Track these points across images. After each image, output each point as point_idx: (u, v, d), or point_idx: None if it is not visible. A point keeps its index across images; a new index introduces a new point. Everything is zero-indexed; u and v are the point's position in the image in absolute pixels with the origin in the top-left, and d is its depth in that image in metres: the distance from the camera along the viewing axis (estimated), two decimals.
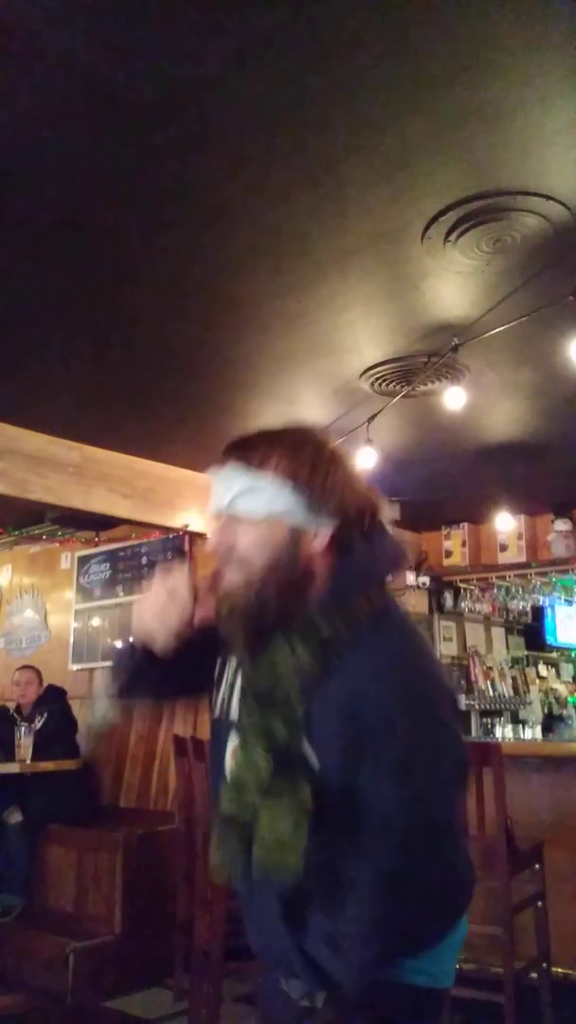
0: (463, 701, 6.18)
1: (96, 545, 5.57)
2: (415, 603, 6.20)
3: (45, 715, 4.73)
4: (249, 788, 1.05)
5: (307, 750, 1.06)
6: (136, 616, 1.20)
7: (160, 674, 1.22)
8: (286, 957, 1.18)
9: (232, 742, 1.13)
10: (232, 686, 1.18)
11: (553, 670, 7.28)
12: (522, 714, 6.48)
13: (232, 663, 1.19)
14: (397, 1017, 1.13)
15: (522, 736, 6.17)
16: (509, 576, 6.02)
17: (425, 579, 6.17)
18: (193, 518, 4.76)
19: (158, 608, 1.16)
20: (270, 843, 1.02)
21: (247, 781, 1.05)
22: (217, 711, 1.22)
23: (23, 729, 4.59)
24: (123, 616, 5.41)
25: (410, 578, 6.18)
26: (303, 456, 1.11)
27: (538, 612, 6.88)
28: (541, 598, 6.40)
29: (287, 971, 1.21)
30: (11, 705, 4.96)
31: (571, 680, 7.26)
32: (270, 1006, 1.31)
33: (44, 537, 5.69)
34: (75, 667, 5.59)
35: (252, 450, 1.11)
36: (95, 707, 1.25)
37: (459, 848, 1.17)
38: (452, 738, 1.13)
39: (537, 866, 3.09)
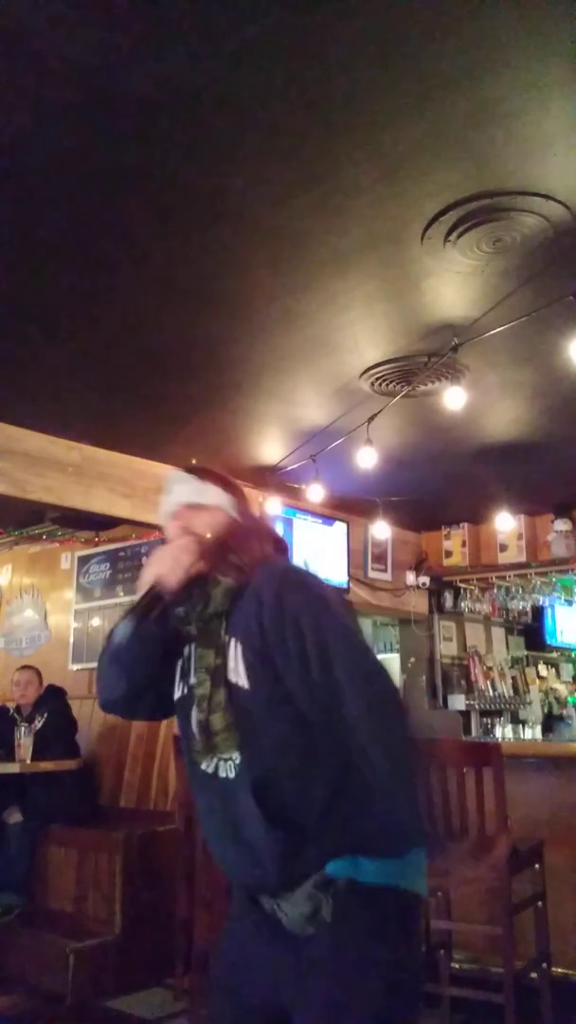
0: (463, 701, 6.19)
1: (96, 545, 5.57)
2: (415, 603, 6.21)
3: (45, 715, 4.72)
4: (203, 701, 1.53)
5: (232, 673, 1.52)
6: (155, 560, 1.61)
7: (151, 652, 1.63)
8: (282, 867, 1.46)
9: (193, 709, 1.56)
10: (189, 666, 1.61)
11: (553, 670, 7.29)
12: (522, 714, 6.48)
13: (187, 649, 1.63)
14: (392, 912, 1.46)
15: (522, 736, 6.18)
16: (509, 576, 6.02)
17: (425, 579, 6.17)
18: None
19: (176, 552, 1.61)
20: (218, 733, 1.51)
21: (201, 695, 1.54)
22: (180, 691, 1.63)
23: (23, 729, 4.58)
24: None
25: (410, 578, 6.19)
26: (226, 478, 1.76)
27: (538, 612, 6.88)
28: (541, 598, 6.40)
29: (280, 887, 1.47)
30: (11, 705, 4.96)
31: (571, 680, 7.27)
32: (238, 966, 1.57)
33: (44, 537, 5.69)
34: (75, 667, 5.59)
35: (198, 471, 1.74)
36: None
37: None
38: (337, 598, 1.59)
39: (537, 866, 3.09)
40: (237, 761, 1.50)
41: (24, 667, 5.10)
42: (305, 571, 1.69)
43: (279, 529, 1.77)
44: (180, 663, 1.66)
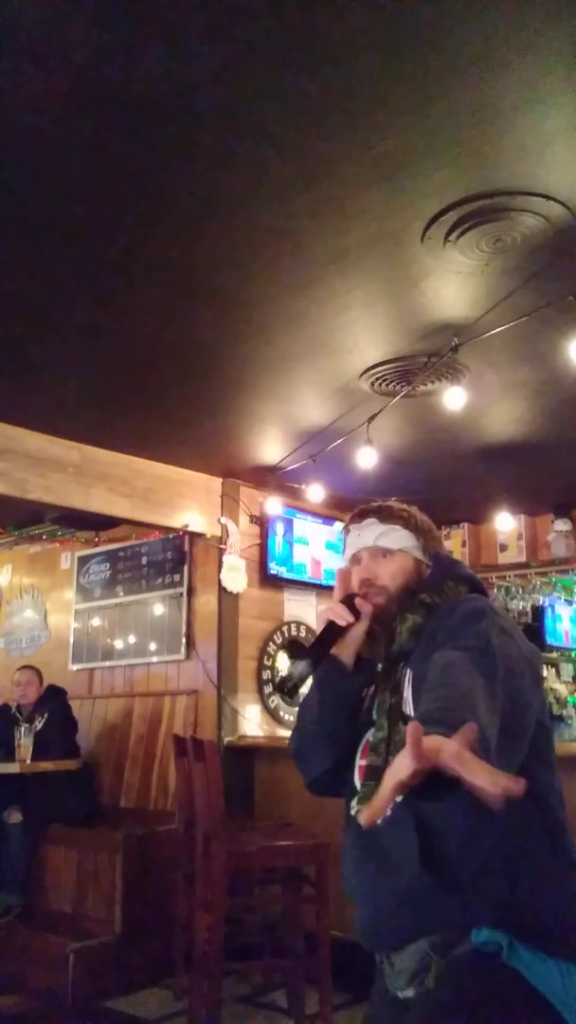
0: None
1: (96, 545, 5.57)
2: None
3: (45, 715, 4.73)
4: (380, 745, 1.43)
5: (406, 704, 1.42)
6: (326, 613, 1.54)
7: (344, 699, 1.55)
8: (401, 918, 1.35)
9: (360, 754, 1.51)
10: (369, 703, 1.55)
11: (553, 670, 7.28)
12: None
13: (367, 691, 1.56)
14: (513, 1003, 1.24)
15: None
16: (509, 576, 6.02)
17: None
18: (193, 518, 4.76)
19: (339, 611, 1.53)
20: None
21: (379, 739, 1.44)
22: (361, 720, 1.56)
23: (23, 729, 4.59)
24: (123, 616, 5.41)
25: None
26: (415, 517, 1.65)
27: (538, 612, 6.87)
28: (541, 598, 6.39)
29: (397, 943, 1.38)
30: (12, 705, 4.96)
31: (571, 680, 7.26)
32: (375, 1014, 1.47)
33: (44, 537, 5.69)
34: (75, 667, 5.60)
35: (381, 510, 1.63)
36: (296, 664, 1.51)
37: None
38: (523, 648, 1.41)
39: None
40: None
41: (24, 667, 5.11)
42: (498, 612, 1.47)
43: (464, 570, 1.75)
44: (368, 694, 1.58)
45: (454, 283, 2.84)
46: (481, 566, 6.04)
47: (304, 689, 1.53)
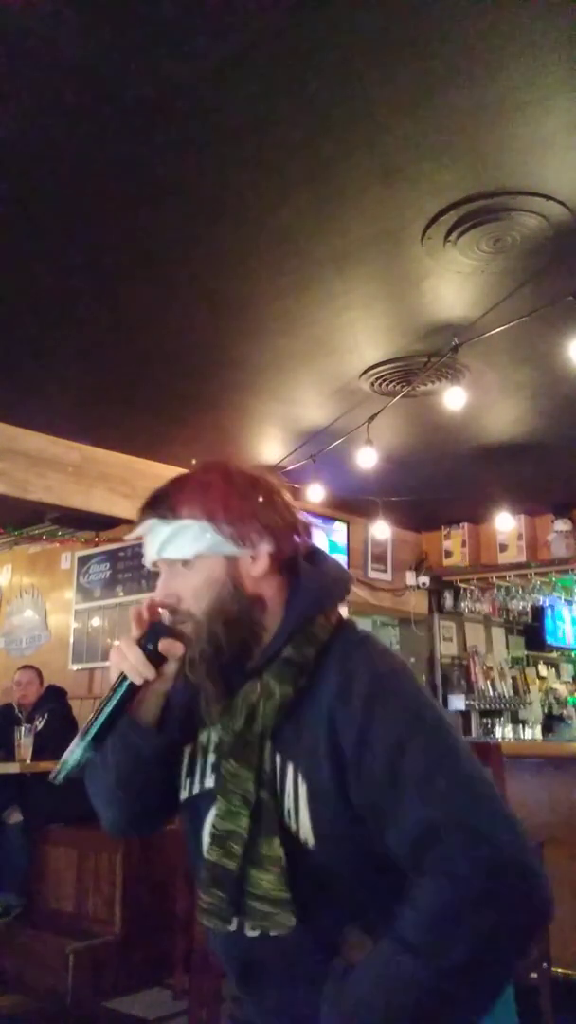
0: (463, 701, 6.19)
1: (96, 545, 5.57)
2: (415, 603, 6.21)
3: (46, 715, 4.72)
4: (233, 843, 1.04)
5: (288, 816, 1.04)
6: (113, 657, 1.12)
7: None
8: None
9: (211, 811, 1.09)
10: (206, 757, 1.14)
11: (553, 670, 7.29)
12: (522, 714, 6.48)
13: (205, 735, 1.15)
14: None
15: (522, 736, 6.18)
16: (509, 576, 6.02)
17: (425, 579, 6.17)
18: None
19: (126, 653, 1.10)
20: (262, 899, 1.01)
21: (229, 832, 1.05)
22: (188, 790, 1.16)
23: (23, 729, 4.58)
24: (123, 616, 5.41)
25: (410, 578, 6.19)
26: (213, 493, 1.12)
27: (538, 612, 6.88)
28: (541, 598, 6.40)
29: None
30: (13, 705, 4.96)
31: (571, 680, 7.26)
32: None
33: (44, 537, 5.69)
34: (75, 667, 5.59)
35: (163, 502, 1.12)
36: (72, 751, 1.13)
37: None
38: (436, 706, 1.06)
39: None
40: (290, 924, 1.00)
41: (25, 667, 5.11)
42: (387, 660, 1.09)
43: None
44: (196, 746, 1.16)
45: (454, 283, 2.84)
46: (481, 566, 6.04)
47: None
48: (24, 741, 4.55)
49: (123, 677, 1.09)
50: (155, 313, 3.04)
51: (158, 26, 1.80)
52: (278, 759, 1.05)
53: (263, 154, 2.20)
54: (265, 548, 1.11)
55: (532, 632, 7.13)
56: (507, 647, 7.01)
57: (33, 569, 6.21)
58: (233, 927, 1.06)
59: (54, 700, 4.89)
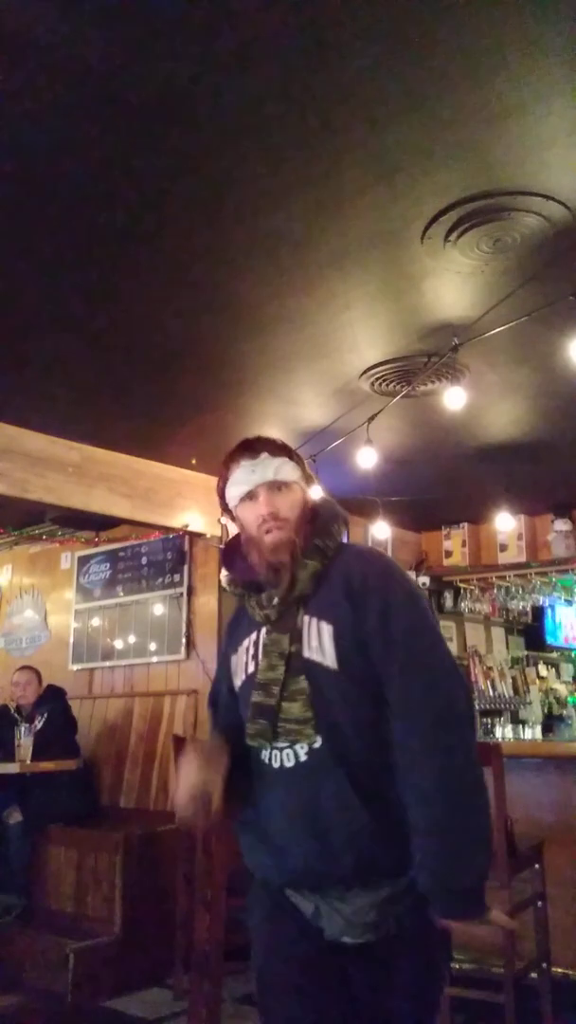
0: None
1: (96, 545, 5.57)
2: None
3: (45, 715, 4.73)
4: (272, 686, 1.47)
5: (311, 652, 1.47)
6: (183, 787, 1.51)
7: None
8: (322, 862, 1.43)
9: (255, 680, 1.53)
10: (247, 655, 1.58)
11: (553, 670, 7.28)
12: (522, 714, 6.48)
13: (248, 641, 1.60)
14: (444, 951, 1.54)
15: (522, 736, 6.17)
16: (509, 576, 6.02)
17: (425, 579, 6.17)
18: (193, 518, 4.76)
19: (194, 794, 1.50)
20: (292, 721, 1.45)
21: (270, 679, 1.48)
22: (240, 679, 1.59)
23: (23, 729, 4.59)
24: (123, 616, 5.41)
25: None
26: (285, 446, 1.72)
27: (538, 612, 6.87)
28: (541, 598, 6.39)
29: (346, 881, 1.44)
30: (11, 705, 4.96)
31: (571, 680, 7.26)
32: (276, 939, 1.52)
33: (44, 537, 5.69)
34: (75, 667, 5.59)
35: (267, 445, 1.68)
36: None
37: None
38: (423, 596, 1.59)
39: (537, 866, 3.09)
40: (316, 745, 1.44)
41: (23, 667, 5.11)
42: (385, 556, 1.69)
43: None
44: (238, 653, 1.62)
45: (454, 283, 2.84)
46: (481, 566, 6.04)
47: None
48: (24, 741, 4.56)
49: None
50: (155, 313, 3.04)
51: (158, 26, 1.80)
52: (307, 618, 1.51)
53: (263, 154, 2.20)
54: (312, 485, 1.69)
55: (532, 632, 7.13)
56: (507, 647, 7.01)
57: (33, 569, 6.21)
58: (274, 759, 1.48)
59: (53, 700, 4.90)
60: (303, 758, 1.44)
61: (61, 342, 3.27)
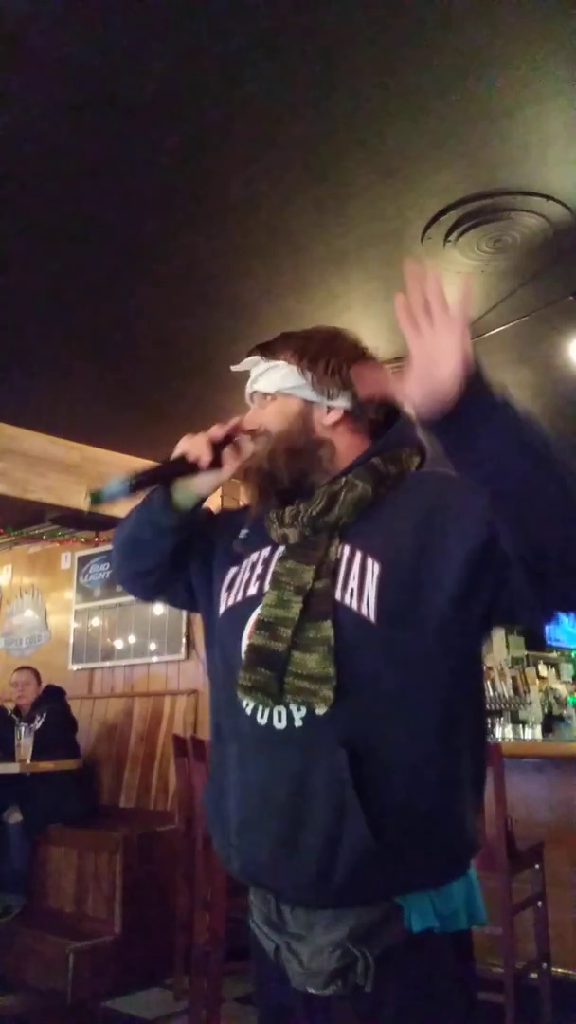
0: None
1: (96, 545, 5.57)
2: None
3: (44, 715, 4.72)
4: (283, 628, 1.14)
5: (347, 595, 1.13)
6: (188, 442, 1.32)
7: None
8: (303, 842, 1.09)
9: (255, 610, 1.19)
10: (252, 572, 1.26)
11: (553, 670, 7.28)
12: (522, 714, 6.48)
13: (256, 555, 1.27)
14: (444, 961, 1.12)
15: (522, 736, 6.17)
16: None
17: None
18: None
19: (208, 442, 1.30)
20: (306, 677, 1.10)
21: (278, 618, 1.15)
22: (230, 601, 1.27)
23: (23, 729, 4.58)
24: (123, 616, 5.41)
25: None
26: (311, 345, 1.32)
27: None
28: None
29: (291, 884, 1.11)
30: (10, 706, 4.96)
31: (571, 680, 7.26)
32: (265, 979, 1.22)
33: (44, 537, 5.69)
34: (75, 667, 5.59)
35: (269, 344, 1.36)
36: (109, 483, 1.22)
37: None
38: None
39: (537, 866, 3.09)
40: (319, 711, 1.09)
41: (21, 668, 5.11)
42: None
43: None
44: (241, 566, 1.28)
45: (454, 283, 2.84)
46: None
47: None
48: (24, 741, 4.56)
49: (182, 456, 1.28)
50: (155, 313, 3.04)
51: (158, 26, 1.80)
52: (346, 550, 1.16)
53: (263, 154, 2.20)
54: (341, 403, 1.27)
55: (532, 632, 7.13)
56: (507, 647, 7.01)
57: (33, 569, 6.21)
58: (261, 716, 1.14)
59: (53, 700, 4.89)
60: (298, 723, 1.11)
61: (61, 342, 3.27)
